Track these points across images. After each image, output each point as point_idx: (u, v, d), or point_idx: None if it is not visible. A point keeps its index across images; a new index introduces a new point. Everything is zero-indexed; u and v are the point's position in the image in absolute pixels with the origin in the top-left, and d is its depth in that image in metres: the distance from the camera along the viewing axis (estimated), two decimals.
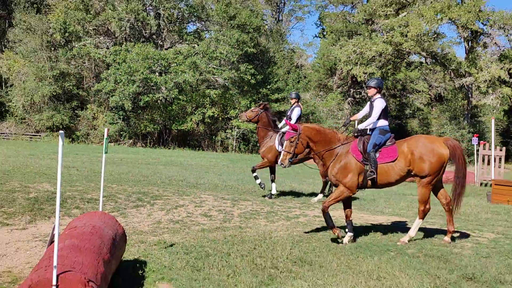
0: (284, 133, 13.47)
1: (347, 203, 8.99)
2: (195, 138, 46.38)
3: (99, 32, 45.35)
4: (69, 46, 43.87)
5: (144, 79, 39.93)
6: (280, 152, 12.73)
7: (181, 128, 44.04)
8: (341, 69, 45.70)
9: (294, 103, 14.53)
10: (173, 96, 41.28)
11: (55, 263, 4.92)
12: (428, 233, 10.03)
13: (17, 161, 19.14)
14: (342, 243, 8.69)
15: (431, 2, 39.28)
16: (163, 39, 46.38)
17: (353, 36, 47.28)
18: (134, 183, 15.05)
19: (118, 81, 39.95)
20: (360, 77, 43.89)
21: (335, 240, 8.99)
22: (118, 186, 14.05)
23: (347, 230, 9.01)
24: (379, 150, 8.77)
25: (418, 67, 54.51)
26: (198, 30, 49.08)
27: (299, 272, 7.19)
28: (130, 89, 39.65)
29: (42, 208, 10.72)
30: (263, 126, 14.36)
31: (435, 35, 42.31)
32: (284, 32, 63.36)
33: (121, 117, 42.62)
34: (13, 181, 13.19)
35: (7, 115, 46.33)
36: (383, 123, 9.04)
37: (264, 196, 14.35)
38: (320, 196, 14.47)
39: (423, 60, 49.36)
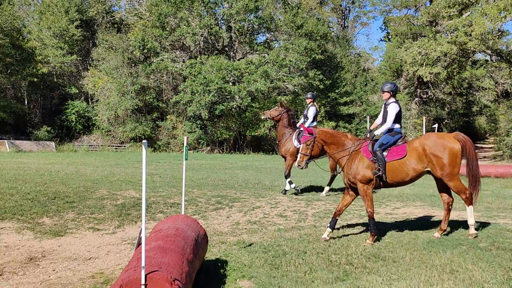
0: (301, 130, 13.88)
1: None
2: (268, 143, 46.75)
3: (175, 47, 46.57)
4: (148, 61, 45.31)
5: (219, 89, 40.72)
6: (298, 148, 13.49)
7: (254, 134, 44.54)
8: (407, 70, 45.02)
9: (310, 103, 14.90)
10: (246, 104, 41.94)
11: (143, 264, 5.18)
12: (499, 227, 9.95)
13: (104, 170, 20.04)
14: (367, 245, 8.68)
15: (494, 0, 38.03)
16: (235, 50, 47.10)
17: (418, 38, 46.50)
18: (213, 187, 15.55)
19: (195, 92, 40.93)
20: (426, 77, 43.18)
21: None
22: (198, 190, 14.54)
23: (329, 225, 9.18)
24: (388, 149, 8.94)
25: (484, 65, 53.00)
26: (268, 40, 49.58)
27: (373, 267, 7.30)
28: (206, 99, 40.53)
29: (129, 214, 11.33)
30: (283, 125, 14.79)
31: (500, 33, 40.92)
32: (350, 37, 63.21)
33: (199, 125, 43.63)
34: (102, 189, 13.94)
35: (94, 128, 48.32)
36: (395, 126, 9.23)
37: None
38: (327, 188, 14.77)
39: (488, 58, 47.81)
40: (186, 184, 9.89)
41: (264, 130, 44.44)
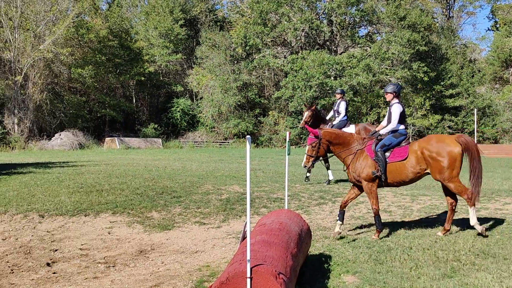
0: (333, 124, 14.71)
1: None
2: None
3: (277, 43, 46.87)
4: (249, 58, 45.89)
5: (320, 84, 40.58)
6: None
7: None
8: None
9: (339, 98, 15.27)
10: (348, 98, 41.49)
11: (248, 257, 5.21)
12: None
13: (209, 166, 20.55)
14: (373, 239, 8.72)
15: None
16: (337, 44, 46.74)
17: None
18: (316, 182, 15.51)
19: (296, 87, 41.03)
20: None
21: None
22: (301, 185, 14.58)
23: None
24: (391, 150, 9.07)
25: None
26: (370, 33, 48.82)
27: (482, 264, 7.07)
28: (307, 94, 40.53)
29: (233, 208, 11.54)
30: (317, 121, 14.88)
31: None
32: (455, 28, 60.98)
33: (300, 121, 43.71)
34: (207, 184, 14.29)
35: (199, 125, 49.58)
36: (400, 127, 9.32)
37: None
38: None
39: None
40: (288, 179, 9.93)
41: None
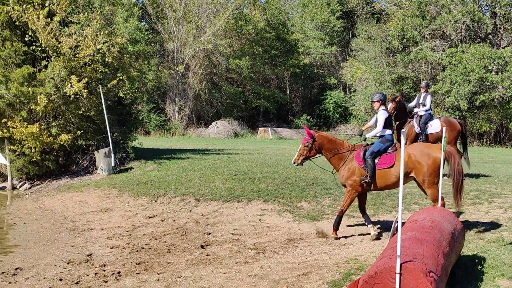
0: (420, 116, 14.76)
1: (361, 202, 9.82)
2: None
3: (435, 36, 45.29)
4: (406, 51, 44.84)
5: (480, 79, 38.64)
6: (418, 134, 14.45)
7: None
8: None
9: (424, 91, 15.31)
10: (510, 94, 39.09)
11: (398, 253, 5.21)
12: None
13: None
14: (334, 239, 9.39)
15: None
16: (500, 38, 44.17)
17: None
18: (471, 181, 14.70)
19: (454, 82, 39.44)
20: None
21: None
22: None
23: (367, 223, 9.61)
24: (379, 157, 9.48)
25: None
26: None
27: None
28: (465, 89, 38.81)
29: (383, 203, 11.44)
30: (401, 113, 14.77)
31: None
32: None
33: (457, 116, 41.99)
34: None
35: (351, 117, 49.38)
36: (386, 132, 9.74)
37: None
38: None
39: None
40: (443, 177, 9.62)
41: None
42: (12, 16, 17.09)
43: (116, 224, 11.60)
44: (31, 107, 16.84)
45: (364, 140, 10.00)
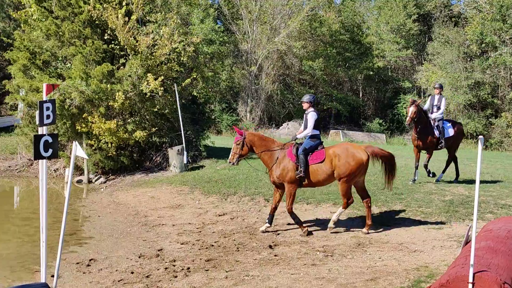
0: (439, 119, 14.64)
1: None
2: None
3: None
4: (485, 56, 43.60)
5: None
6: (437, 138, 14.34)
7: None
8: None
9: (438, 93, 15.05)
10: None
11: (471, 262, 5.10)
12: None
13: (433, 165, 19.83)
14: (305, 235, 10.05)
15: None
16: None
17: None
18: None
19: None
20: None
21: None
22: None
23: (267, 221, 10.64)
24: (310, 153, 10.12)
25: None
26: None
27: None
28: None
29: (456, 211, 11.15)
30: (422, 116, 14.39)
31: None
32: None
33: None
34: (430, 184, 13.99)
35: None
36: (314, 132, 10.33)
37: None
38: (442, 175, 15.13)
39: None
40: None
41: None
42: (92, 15, 17.71)
43: (187, 220, 11.82)
44: (109, 104, 17.37)
45: (295, 140, 10.54)
